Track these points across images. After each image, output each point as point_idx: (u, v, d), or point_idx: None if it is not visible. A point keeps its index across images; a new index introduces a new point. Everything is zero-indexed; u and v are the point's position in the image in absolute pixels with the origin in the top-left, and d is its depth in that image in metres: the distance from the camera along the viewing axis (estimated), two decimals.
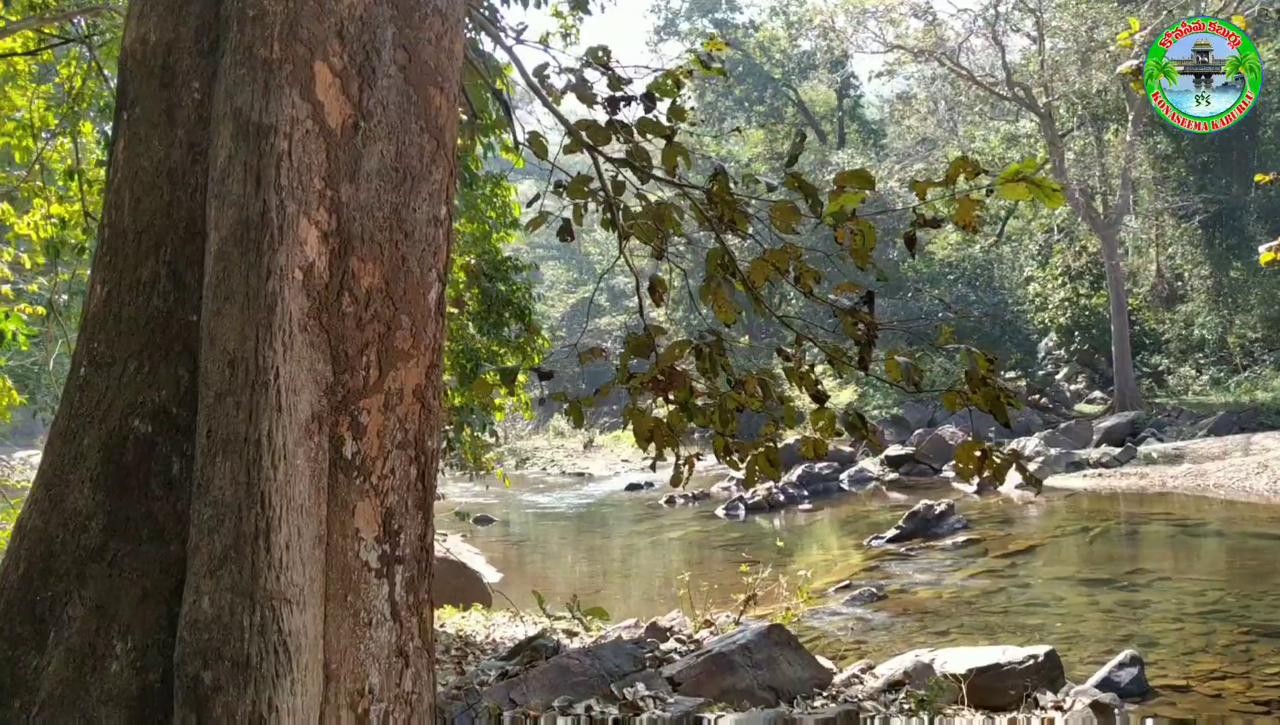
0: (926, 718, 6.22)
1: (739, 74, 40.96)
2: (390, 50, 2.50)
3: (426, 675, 2.60)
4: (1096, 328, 33.57)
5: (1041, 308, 35.18)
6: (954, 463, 3.65)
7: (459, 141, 9.94)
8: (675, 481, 4.66)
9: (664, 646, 8.48)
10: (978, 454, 3.59)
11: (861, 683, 7.65)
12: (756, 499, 22.24)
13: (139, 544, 2.45)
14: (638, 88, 5.00)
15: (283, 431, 2.24)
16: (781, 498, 22.63)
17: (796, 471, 24.85)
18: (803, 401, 4.64)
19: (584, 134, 4.28)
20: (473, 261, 10.54)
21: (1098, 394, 32.92)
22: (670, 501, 23.71)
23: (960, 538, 17.31)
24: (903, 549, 17.01)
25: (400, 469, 2.54)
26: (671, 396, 4.36)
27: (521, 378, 11.87)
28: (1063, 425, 28.71)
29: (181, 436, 2.47)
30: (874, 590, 13.70)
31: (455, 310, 10.52)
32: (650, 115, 4.43)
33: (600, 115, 4.53)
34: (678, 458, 4.71)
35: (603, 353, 4.89)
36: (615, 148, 4.80)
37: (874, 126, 42.52)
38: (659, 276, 4.50)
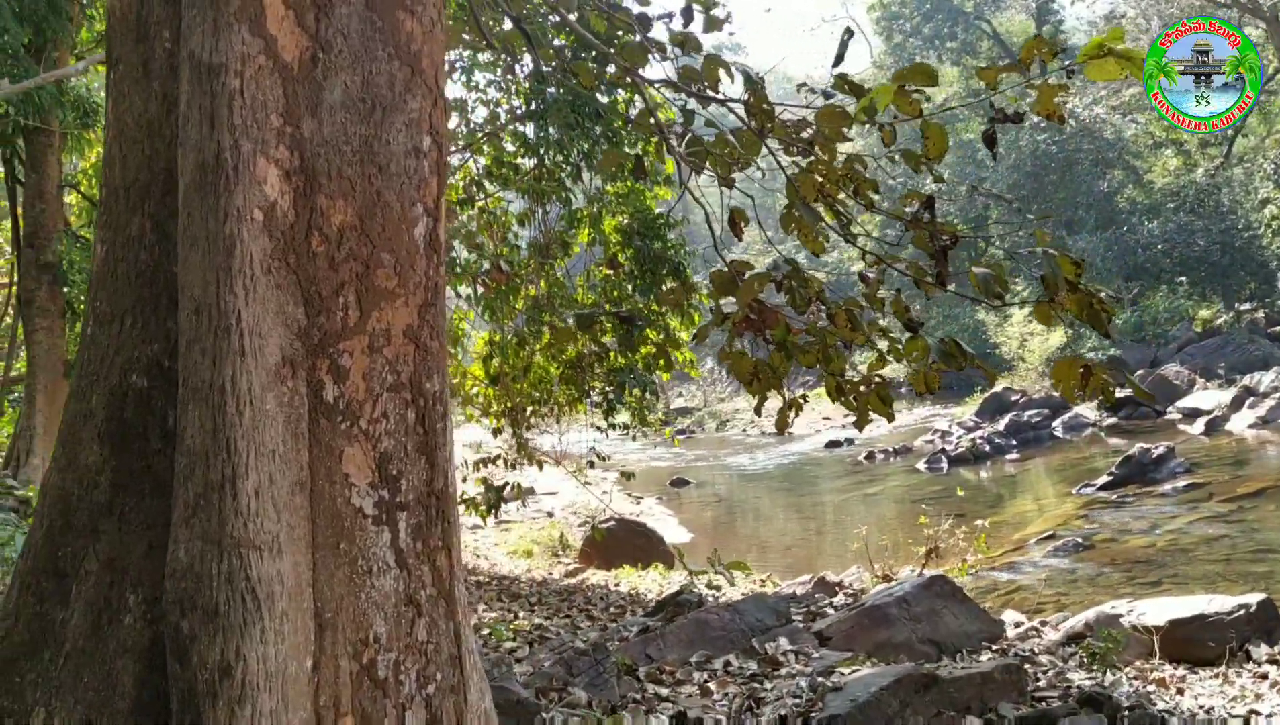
0: (1102, 671, 5.74)
1: (926, 11, 39.18)
2: None
3: (447, 624, 2.51)
4: None
5: None
6: (1053, 381, 3.27)
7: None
8: (780, 426, 4.42)
9: (832, 601, 8.21)
10: (1080, 371, 3.19)
11: (1039, 636, 7.16)
12: (960, 451, 21.38)
13: (143, 498, 2.47)
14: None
15: (247, 376, 2.19)
16: (987, 448, 21.67)
17: (1003, 420, 23.75)
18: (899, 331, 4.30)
19: (619, 56, 4.08)
20: (624, 221, 10.47)
21: None
22: (870, 457, 23.10)
23: (1181, 482, 16.07)
24: (1115, 496, 15.95)
25: (394, 412, 2.45)
26: (768, 335, 4.12)
27: (684, 335, 11.80)
28: None
29: (174, 389, 2.46)
30: (1079, 540, 12.89)
31: (611, 271, 10.50)
32: (688, 29, 4.16)
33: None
34: (784, 400, 4.47)
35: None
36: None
37: (1078, 52, 39.77)
38: (738, 208, 4.25)
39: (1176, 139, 37.23)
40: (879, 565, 10.06)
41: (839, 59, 3.84)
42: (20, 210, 10.06)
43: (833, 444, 26.41)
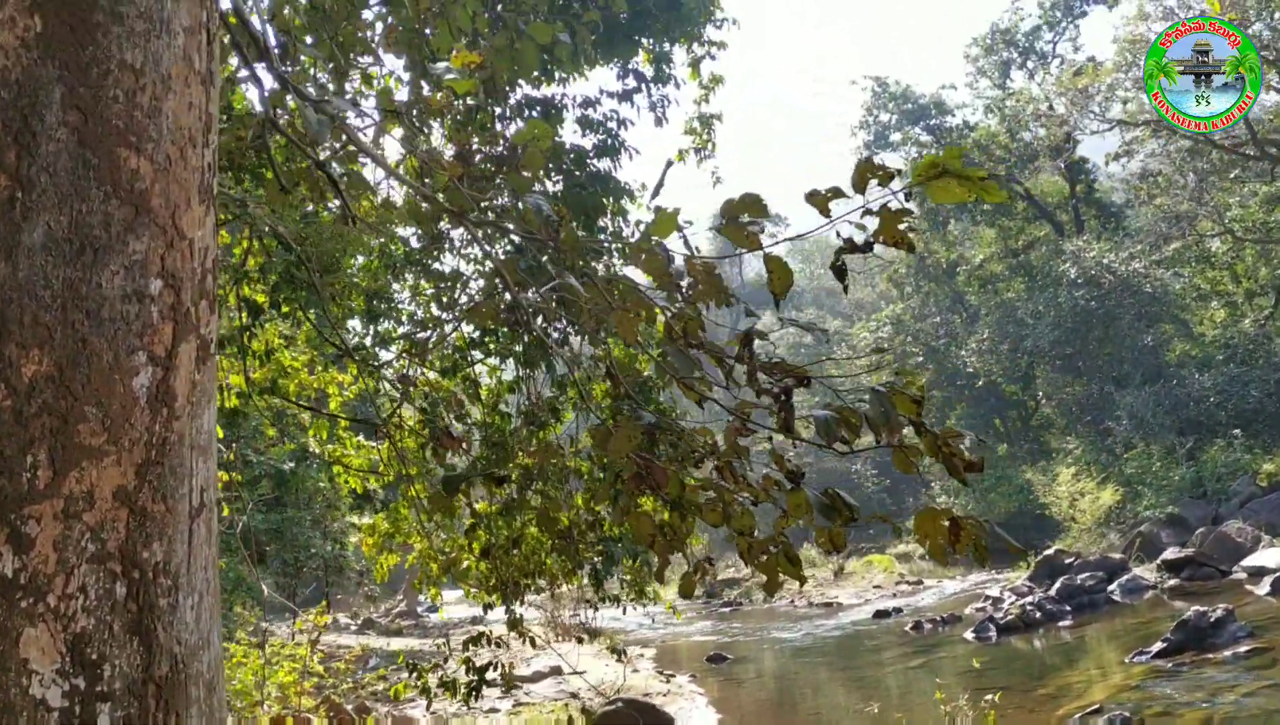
0: None
1: None
2: (57, 112, 2.25)
3: None
4: None
5: None
6: (915, 532, 2.90)
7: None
8: (684, 592, 4.05)
9: None
10: (946, 524, 2.83)
11: None
12: (1010, 619, 20.32)
13: None
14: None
15: None
16: (1038, 615, 20.58)
17: (1056, 585, 22.65)
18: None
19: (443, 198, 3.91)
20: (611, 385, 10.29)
21: None
22: (918, 627, 22.07)
23: (1243, 648, 14.99)
24: (1170, 664, 14.90)
25: (96, 586, 2.16)
26: (664, 493, 3.81)
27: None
28: None
29: None
30: (1126, 715, 11.93)
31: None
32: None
33: None
34: (689, 563, 4.12)
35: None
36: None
37: (1113, 209, 39.91)
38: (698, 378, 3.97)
39: (1223, 290, 36.76)
40: None
41: (657, 190, 3.63)
42: None
43: (881, 614, 25.35)
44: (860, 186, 2.68)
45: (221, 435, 12.47)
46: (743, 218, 2.89)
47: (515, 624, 10.31)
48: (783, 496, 3.70)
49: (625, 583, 10.76)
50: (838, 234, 2.86)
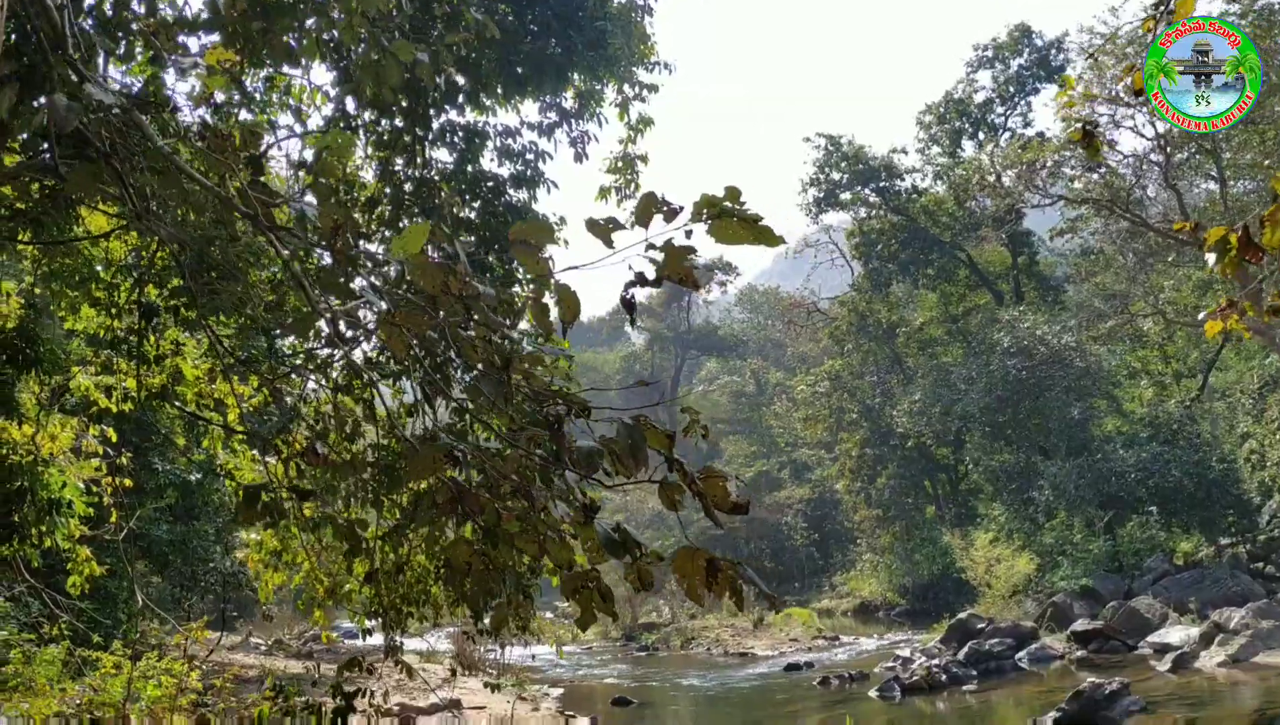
0: None
1: (904, 238, 40.24)
2: None
3: None
4: None
5: (1260, 467, 31.80)
6: (674, 572, 2.86)
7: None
8: (497, 624, 3.98)
9: None
10: (704, 564, 2.80)
11: None
12: (915, 679, 20.36)
13: None
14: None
15: None
16: (944, 677, 20.64)
17: (965, 649, 22.76)
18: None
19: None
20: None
21: None
22: (825, 682, 22.02)
23: (1132, 721, 15.14)
24: None
25: None
26: (478, 521, 3.75)
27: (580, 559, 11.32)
28: None
29: None
30: None
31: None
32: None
33: None
34: (508, 600, 4.05)
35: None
36: None
37: (1053, 282, 40.64)
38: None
39: (1153, 370, 37.51)
40: None
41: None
42: None
43: (792, 667, 25.28)
44: (644, 220, 2.67)
45: (114, 438, 12.19)
46: (529, 241, 2.86)
47: (392, 652, 10.11)
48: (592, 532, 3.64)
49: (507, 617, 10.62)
50: (629, 266, 2.83)
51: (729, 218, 2.65)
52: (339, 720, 9.15)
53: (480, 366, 3.38)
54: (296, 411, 9.05)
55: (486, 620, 10.08)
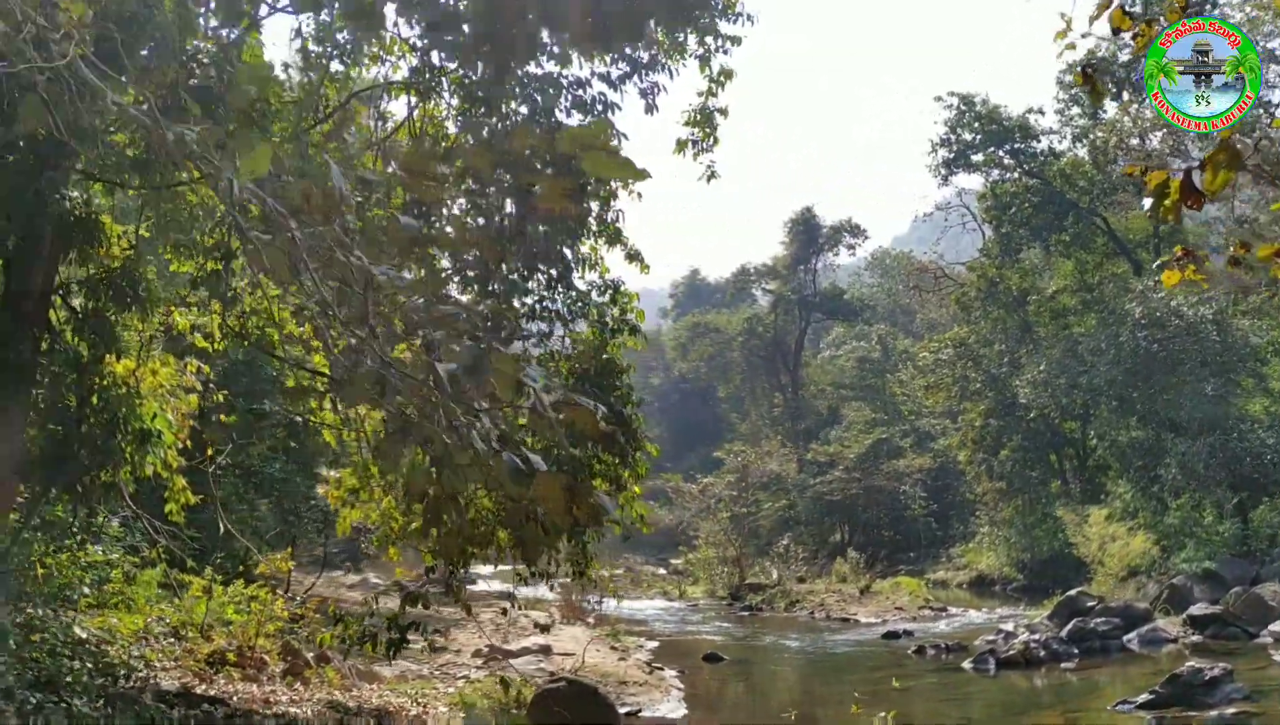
0: None
1: (1038, 202, 38.78)
2: None
3: None
4: None
5: None
6: (536, 496, 2.89)
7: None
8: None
9: None
10: (564, 490, 2.82)
11: None
12: (1011, 654, 19.91)
13: None
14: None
15: None
16: (1041, 653, 20.10)
17: (1068, 626, 22.11)
18: None
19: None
20: (580, 366, 10.38)
21: None
22: (920, 651, 21.75)
23: (1231, 709, 14.52)
24: (1151, 717, 14.50)
25: None
26: (430, 449, 3.85)
27: (636, 489, 11.47)
28: None
29: None
30: None
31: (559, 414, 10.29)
32: None
33: None
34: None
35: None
36: None
37: (1200, 251, 38.54)
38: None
39: None
40: None
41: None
42: None
43: (891, 635, 24.99)
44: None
45: (210, 375, 12.85)
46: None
47: (454, 592, 10.42)
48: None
49: (561, 561, 10.85)
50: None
51: (595, 151, 2.66)
52: (391, 650, 9.55)
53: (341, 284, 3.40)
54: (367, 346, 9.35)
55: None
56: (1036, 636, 21.22)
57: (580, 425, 2.88)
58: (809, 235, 59.55)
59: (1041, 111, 39.76)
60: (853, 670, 20.23)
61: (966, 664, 19.83)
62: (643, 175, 2.66)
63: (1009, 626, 23.82)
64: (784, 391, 60.89)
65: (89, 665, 8.54)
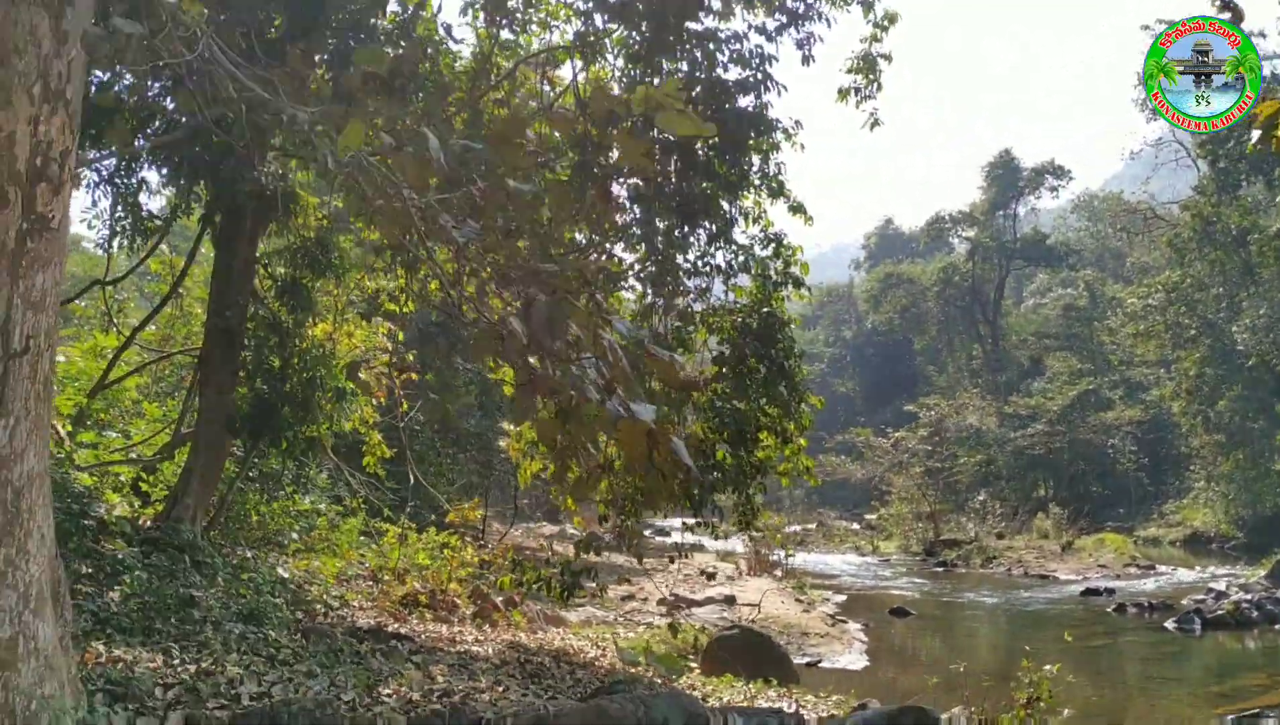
0: None
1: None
2: None
3: None
4: None
5: None
6: (616, 441, 3.04)
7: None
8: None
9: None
10: (643, 433, 2.97)
11: None
12: (1220, 613, 18.90)
13: None
14: None
15: None
16: (1255, 614, 18.96)
17: None
18: None
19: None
20: (743, 320, 10.48)
21: None
22: (1120, 609, 20.92)
23: None
24: None
25: None
26: (557, 400, 4.11)
27: (802, 442, 11.51)
28: None
29: None
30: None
31: (724, 368, 10.48)
32: None
33: None
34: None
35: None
36: None
37: None
38: None
39: None
40: (976, 706, 9.21)
41: None
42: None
43: (1091, 592, 24.11)
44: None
45: (401, 338, 13.63)
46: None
47: (629, 542, 10.80)
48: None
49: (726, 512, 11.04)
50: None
51: (671, 111, 2.80)
52: (565, 594, 10.00)
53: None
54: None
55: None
56: (1250, 596, 20.05)
57: (661, 375, 3.04)
58: (1008, 179, 57.21)
59: (1263, 35, 36.65)
60: (1041, 627, 19.63)
61: (1169, 623, 18.95)
62: (706, 132, 2.77)
63: (1221, 585, 22.57)
64: (983, 342, 58.98)
65: (288, 602, 9.39)
